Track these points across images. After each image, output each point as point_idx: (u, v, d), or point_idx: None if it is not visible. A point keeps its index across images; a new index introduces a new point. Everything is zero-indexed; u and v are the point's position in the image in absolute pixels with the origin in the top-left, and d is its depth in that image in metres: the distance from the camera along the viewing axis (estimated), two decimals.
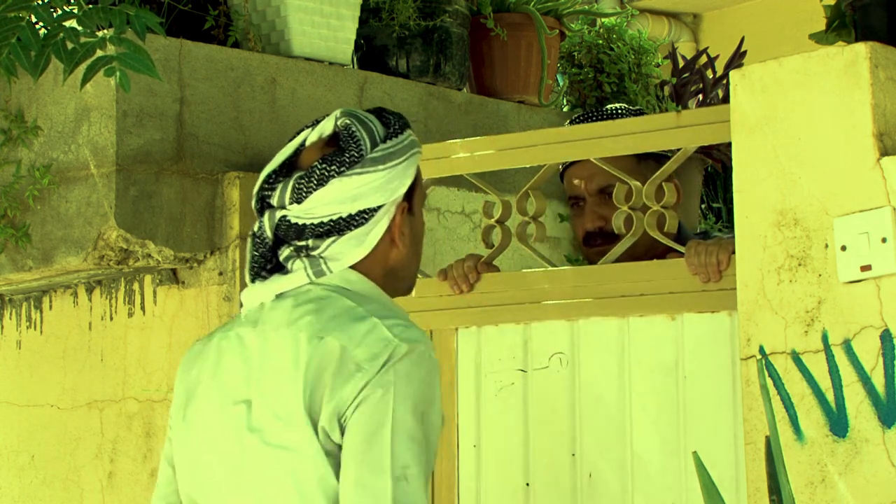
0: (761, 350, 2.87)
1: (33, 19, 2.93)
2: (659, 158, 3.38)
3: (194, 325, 3.91)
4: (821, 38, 3.61)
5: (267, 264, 2.61)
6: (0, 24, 2.86)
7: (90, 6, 2.97)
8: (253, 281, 2.61)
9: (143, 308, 4.04)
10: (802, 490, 2.78)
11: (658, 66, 4.89)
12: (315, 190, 2.53)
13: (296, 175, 2.56)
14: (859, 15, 3.33)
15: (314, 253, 2.56)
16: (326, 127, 2.61)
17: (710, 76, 4.72)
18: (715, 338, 3.06)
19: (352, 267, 2.57)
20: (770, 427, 2.26)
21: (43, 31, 2.92)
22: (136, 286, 4.06)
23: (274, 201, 2.58)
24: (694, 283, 3.08)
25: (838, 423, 2.76)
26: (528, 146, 3.41)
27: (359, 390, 2.42)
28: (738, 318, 2.93)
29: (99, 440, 4.11)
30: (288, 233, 2.57)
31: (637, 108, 3.70)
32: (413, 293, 3.42)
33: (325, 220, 2.55)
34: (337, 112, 2.63)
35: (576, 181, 3.49)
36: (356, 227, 2.55)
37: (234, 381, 2.54)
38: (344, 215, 2.54)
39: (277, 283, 2.58)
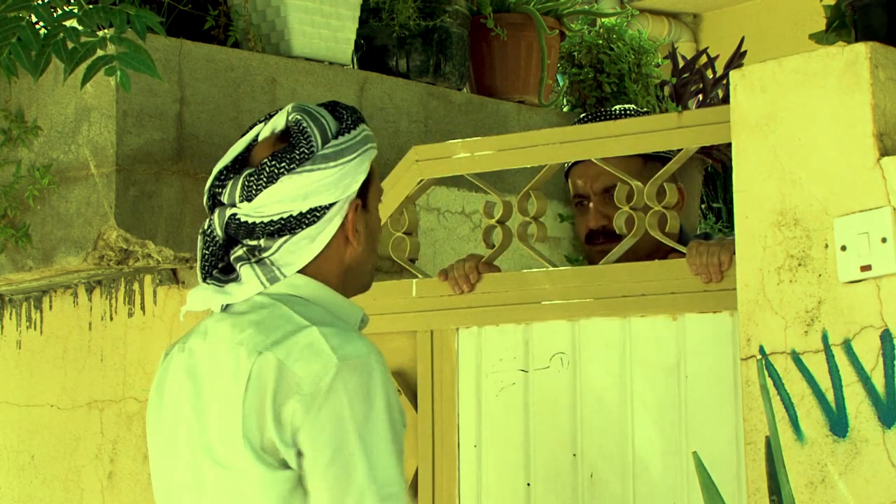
0: (761, 350, 2.87)
1: (33, 19, 2.93)
2: (665, 161, 3.38)
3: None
4: (821, 38, 3.61)
5: (218, 263, 2.56)
6: (0, 24, 2.86)
7: (90, 6, 2.97)
8: (204, 280, 2.55)
9: (143, 308, 4.04)
10: (802, 490, 2.77)
11: (658, 66, 4.89)
12: (265, 188, 2.48)
13: (245, 172, 2.50)
14: (859, 15, 3.33)
15: (265, 255, 2.50)
16: (279, 122, 2.55)
17: (710, 76, 4.72)
18: (717, 338, 3.06)
19: (305, 268, 2.51)
20: (770, 427, 2.26)
21: (43, 30, 2.92)
22: (136, 286, 4.06)
23: (224, 198, 2.52)
24: (695, 283, 3.08)
25: (838, 424, 2.76)
26: (530, 146, 3.41)
27: (302, 413, 2.36)
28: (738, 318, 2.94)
29: (99, 440, 4.10)
30: (238, 231, 2.51)
31: (645, 110, 3.70)
32: (413, 293, 3.44)
33: (276, 218, 2.49)
34: (289, 106, 2.57)
35: (580, 180, 3.50)
36: (308, 225, 2.50)
37: (187, 397, 2.50)
38: (295, 213, 2.49)
39: (228, 293, 2.52)
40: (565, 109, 4.86)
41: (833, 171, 2.81)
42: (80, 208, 3.79)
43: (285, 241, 2.50)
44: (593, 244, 3.47)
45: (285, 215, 2.49)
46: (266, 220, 2.49)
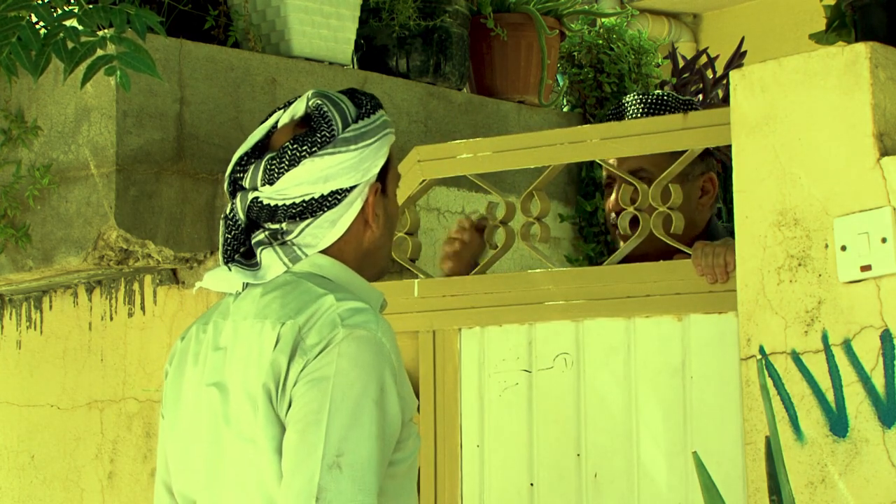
0: (761, 350, 2.87)
1: (34, 19, 2.93)
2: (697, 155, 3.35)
3: None
4: (821, 38, 3.61)
5: (240, 247, 2.57)
6: (0, 24, 2.86)
7: (90, 6, 2.97)
8: (226, 263, 2.56)
9: (143, 308, 4.04)
10: (802, 490, 2.78)
11: (658, 66, 4.89)
12: (287, 171, 2.49)
13: (267, 156, 2.52)
14: (859, 15, 3.33)
15: (287, 238, 2.52)
16: (298, 108, 2.57)
17: (710, 76, 4.72)
18: (722, 339, 3.06)
19: (325, 251, 2.53)
20: (770, 427, 2.26)
21: (43, 30, 2.92)
22: (136, 286, 4.06)
23: (246, 183, 2.54)
24: (701, 284, 3.08)
25: (838, 423, 2.76)
26: (532, 147, 3.41)
27: (298, 373, 2.37)
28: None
29: (99, 440, 4.10)
30: (260, 215, 2.53)
31: (687, 98, 3.69)
32: (415, 293, 3.44)
33: (298, 200, 2.50)
34: (309, 93, 2.58)
35: (610, 161, 3.49)
36: (329, 208, 2.51)
37: (211, 373, 2.50)
38: (317, 196, 2.50)
39: (253, 274, 2.53)
40: (565, 109, 4.86)
41: (833, 171, 2.81)
42: (80, 208, 3.78)
43: (308, 225, 2.52)
44: (616, 225, 3.46)
45: (307, 198, 2.51)
46: (288, 202, 2.51)
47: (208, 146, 3.86)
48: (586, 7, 5.34)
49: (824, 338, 2.80)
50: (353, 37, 4.17)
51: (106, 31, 2.97)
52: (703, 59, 4.77)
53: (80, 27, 2.93)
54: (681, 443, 3.10)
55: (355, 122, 2.54)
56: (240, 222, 2.56)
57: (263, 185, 2.51)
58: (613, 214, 3.48)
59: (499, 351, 3.35)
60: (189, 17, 4.08)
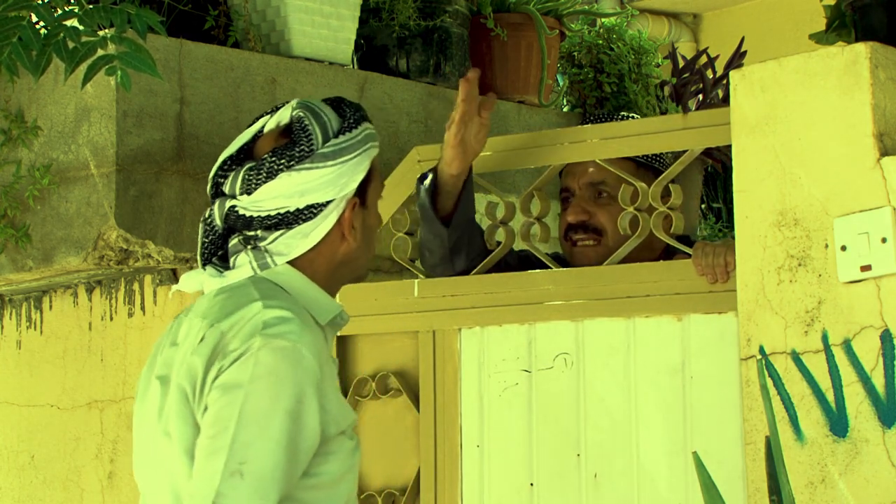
0: (761, 350, 2.87)
1: (34, 18, 2.93)
2: (657, 170, 3.38)
3: None
4: (821, 38, 3.61)
5: (217, 251, 2.59)
6: (1, 24, 2.86)
7: (91, 5, 2.97)
8: (203, 266, 2.59)
9: (143, 308, 4.04)
10: (802, 490, 2.78)
11: (658, 66, 4.89)
12: (264, 183, 2.51)
13: (246, 166, 2.54)
14: (859, 15, 3.34)
15: (261, 244, 2.53)
16: (283, 116, 2.58)
17: (710, 76, 4.72)
18: (722, 339, 3.06)
19: (296, 259, 2.54)
20: (770, 427, 2.26)
21: (44, 30, 2.92)
22: (136, 286, 4.06)
23: (226, 189, 2.56)
24: (701, 284, 3.08)
25: (838, 423, 2.77)
26: (532, 147, 3.41)
27: (214, 378, 2.39)
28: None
29: (99, 440, 4.10)
30: (237, 223, 2.55)
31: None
32: (415, 293, 3.44)
33: (273, 213, 2.52)
34: (294, 102, 2.59)
35: (568, 176, 3.50)
36: (304, 221, 2.53)
37: (160, 367, 2.53)
38: (292, 210, 2.52)
39: (224, 277, 2.55)
40: (565, 109, 4.85)
41: (833, 171, 2.81)
42: (80, 208, 3.78)
43: (281, 235, 2.53)
44: (569, 240, 3.47)
45: (282, 211, 2.52)
46: (263, 214, 2.53)
47: (208, 146, 3.86)
48: (586, 7, 5.34)
49: (824, 338, 2.80)
50: (353, 37, 4.17)
51: (106, 30, 2.97)
52: (703, 59, 4.76)
53: (81, 27, 2.94)
54: (681, 443, 3.10)
55: (336, 136, 2.56)
56: (217, 228, 2.58)
57: (241, 194, 2.53)
58: (566, 227, 3.48)
59: (499, 351, 3.35)
60: (189, 17, 4.08)
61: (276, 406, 2.36)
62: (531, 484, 3.29)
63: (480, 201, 4.28)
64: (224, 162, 2.58)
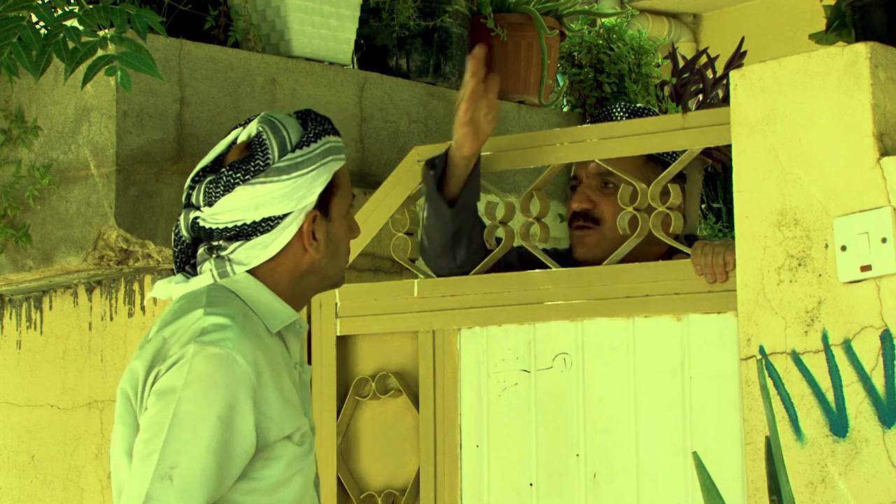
0: (761, 350, 2.87)
1: (34, 19, 2.93)
2: (666, 163, 3.39)
3: None
4: (821, 38, 3.61)
5: (190, 259, 2.65)
6: (1, 24, 2.86)
7: (91, 6, 2.97)
8: (175, 273, 2.65)
9: (143, 308, 4.04)
10: (802, 490, 2.78)
11: (658, 66, 4.89)
12: (222, 195, 2.57)
13: (207, 178, 2.60)
14: (859, 15, 3.34)
15: (223, 254, 2.59)
16: (251, 129, 2.64)
17: (710, 76, 4.72)
18: (722, 339, 3.06)
19: (259, 266, 2.60)
20: (770, 427, 2.26)
21: (44, 30, 2.92)
22: (136, 286, 4.06)
23: (193, 199, 2.62)
24: (700, 283, 3.09)
25: (838, 423, 2.77)
26: (533, 147, 3.41)
27: (152, 384, 2.46)
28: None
29: (99, 440, 4.10)
30: (200, 233, 2.61)
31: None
32: (415, 293, 3.44)
33: (230, 225, 2.57)
34: (261, 115, 2.65)
35: (576, 164, 3.51)
36: (262, 233, 2.58)
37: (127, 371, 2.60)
38: (248, 222, 2.57)
39: (189, 285, 2.61)
40: (565, 109, 4.85)
41: (833, 171, 2.81)
42: (80, 208, 3.78)
43: (240, 245, 2.59)
44: (573, 227, 3.49)
45: (239, 223, 2.58)
46: (222, 226, 2.59)
47: (208, 146, 3.85)
48: (586, 7, 5.34)
49: (824, 338, 2.80)
50: (353, 37, 4.17)
51: (106, 30, 2.97)
52: (703, 59, 4.76)
53: (81, 27, 2.94)
54: (681, 443, 3.10)
55: (293, 150, 2.60)
56: (184, 238, 2.65)
57: (204, 206, 2.60)
58: (571, 214, 3.50)
59: (499, 351, 3.35)
60: (189, 17, 4.08)
61: (208, 412, 2.41)
62: (531, 484, 3.29)
63: (480, 201, 4.29)
64: (198, 172, 2.65)
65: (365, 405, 3.56)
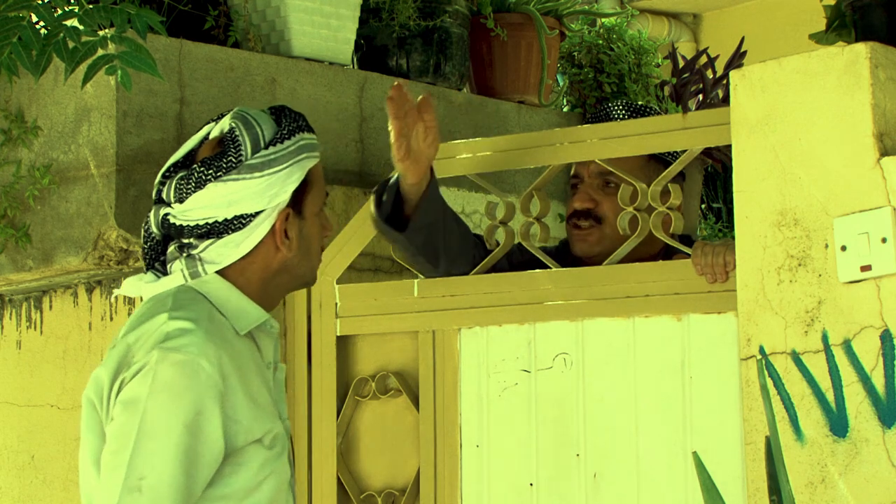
0: (761, 350, 2.87)
1: (34, 18, 2.93)
2: (667, 162, 3.39)
3: None
4: (821, 38, 3.62)
5: (159, 256, 2.61)
6: (1, 24, 2.86)
7: (91, 5, 2.97)
8: (146, 271, 2.61)
9: None
10: (802, 490, 2.78)
11: (658, 66, 4.89)
12: (193, 192, 2.53)
13: (179, 174, 2.56)
14: (859, 15, 3.34)
15: (194, 252, 2.56)
16: (224, 125, 2.60)
17: (710, 76, 4.72)
18: (722, 339, 3.06)
19: (230, 266, 2.56)
20: (770, 427, 2.26)
21: (44, 30, 2.92)
22: None
23: (164, 195, 2.59)
24: (700, 283, 3.09)
25: (838, 423, 2.77)
26: (533, 147, 3.41)
27: (118, 392, 2.43)
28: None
29: None
30: (170, 230, 2.57)
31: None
32: (415, 293, 3.44)
33: (201, 223, 2.54)
34: (235, 110, 2.61)
35: (578, 163, 3.51)
36: (234, 231, 2.54)
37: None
38: (220, 219, 2.54)
39: (158, 285, 2.58)
40: (565, 109, 4.86)
41: (833, 171, 2.81)
42: (80, 208, 3.78)
43: (212, 243, 2.55)
44: (573, 226, 3.48)
45: (210, 220, 2.54)
46: (192, 223, 2.55)
47: None
48: (586, 7, 5.34)
49: (824, 338, 2.80)
50: (353, 37, 4.17)
51: (106, 30, 2.97)
52: (703, 59, 4.77)
53: (81, 27, 2.93)
54: (681, 443, 3.10)
55: (266, 147, 2.56)
56: (154, 235, 2.61)
57: (175, 202, 2.56)
58: (571, 213, 3.50)
59: (499, 351, 3.35)
60: (189, 17, 4.08)
61: (174, 420, 2.39)
62: (531, 484, 3.29)
63: (480, 201, 4.29)
64: (169, 167, 2.61)
65: (365, 405, 3.56)
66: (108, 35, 2.92)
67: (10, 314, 4.36)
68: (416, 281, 3.46)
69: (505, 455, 3.33)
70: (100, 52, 2.91)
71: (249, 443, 2.46)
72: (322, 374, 3.56)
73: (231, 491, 2.45)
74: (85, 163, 3.78)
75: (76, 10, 2.96)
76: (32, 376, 4.30)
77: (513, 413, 3.32)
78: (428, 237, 3.33)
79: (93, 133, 3.76)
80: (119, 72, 2.87)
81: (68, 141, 3.82)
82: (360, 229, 3.55)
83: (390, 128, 3.24)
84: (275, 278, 2.60)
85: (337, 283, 3.57)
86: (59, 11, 2.97)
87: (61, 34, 2.89)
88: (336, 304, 3.56)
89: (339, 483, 3.53)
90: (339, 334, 3.56)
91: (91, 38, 2.92)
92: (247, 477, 2.46)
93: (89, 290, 4.15)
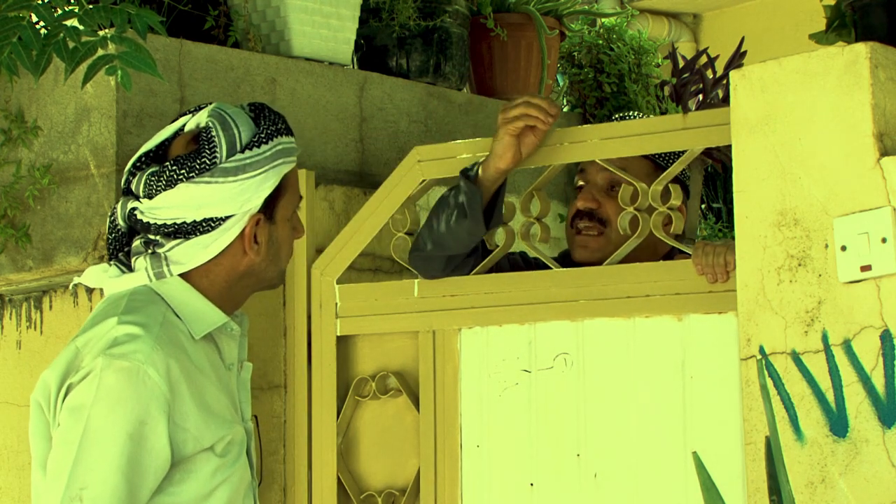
0: (761, 350, 2.87)
1: (34, 18, 2.93)
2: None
3: None
4: (821, 38, 3.62)
5: (123, 247, 2.57)
6: (1, 24, 2.86)
7: (91, 5, 2.97)
8: (109, 261, 2.57)
9: None
10: (802, 490, 2.78)
11: (658, 66, 4.89)
12: (163, 190, 2.48)
13: (149, 170, 2.51)
14: (859, 15, 3.34)
15: (160, 251, 2.51)
16: (201, 119, 2.55)
17: (710, 76, 4.71)
18: (722, 339, 3.06)
19: (192, 269, 2.52)
20: (770, 427, 2.26)
21: (44, 30, 2.92)
22: None
23: (133, 188, 2.54)
24: (701, 283, 3.09)
25: (838, 423, 2.77)
26: None
27: (64, 397, 2.40)
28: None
29: None
30: (137, 225, 2.53)
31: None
32: (415, 293, 3.44)
33: (170, 222, 2.49)
34: (212, 106, 2.55)
35: (584, 164, 3.51)
36: (202, 233, 2.50)
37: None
38: (189, 221, 2.49)
39: (120, 281, 2.53)
40: (565, 109, 4.86)
41: (833, 171, 2.81)
42: (80, 208, 3.78)
43: (179, 244, 2.51)
44: (573, 226, 3.48)
45: (178, 221, 2.50)
46: (160, 222, 2.51)
47: None
48: (586, 7, 5.34)
49: (824, 338, 2.80)
50: (353, 37, 4.17)
51: (106, 30, 2.97)
52: (703, 59, 4.76)
53: (81, 27, 2.93)
54: (681, 443, 3.10)
55: (242, 151, 2.51)
56: (119, 227, 2.56)
57: (143, 197, 2.51)
58: (574, 213, 3.49)
59: (499, 351, 3.35)
60: (189, 17, 4.08)
61: (118, 429, 2.35)
62: (531, 484, 3.29)
63: None
64: (140, 157, 2.55)
65: (365, 405, 3.56)
66: (108, 35, 2.92)
67: (10, 314, 4.36)
68: (416, 281, 3.46)
69: (505, 455, 3.33)
70: (100, 52, 2.91)
71: (199, 451, 2.42)
72: (322, 374, 3.55)
73: (179, 500, 2.42)
74: (85, 163, 3.78)
75: (76, 10, 2.96)
76: (32, 376, 4.29)
77: (513, 413, 3.32)
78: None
79: (93, 133, 3.76)
80: (119, 72, 2.87)
81: (68, 141, 3.82)
82: (360, 229, 3.55)
83: (516, 113, 3.24)
84: (240, 281, 2.56)
85: (337, 283, 3.57)
86: (59, 11, 2.97)
87: (61, 34, 2.89)
88: (336, 304, 3.56)
89: (339, 483, 3.53)
90: (339, 334, 3.56)
91: (91, 38, 2.92)
92: (197, 485, 2.43)
93: (89, 291, 4.15)
